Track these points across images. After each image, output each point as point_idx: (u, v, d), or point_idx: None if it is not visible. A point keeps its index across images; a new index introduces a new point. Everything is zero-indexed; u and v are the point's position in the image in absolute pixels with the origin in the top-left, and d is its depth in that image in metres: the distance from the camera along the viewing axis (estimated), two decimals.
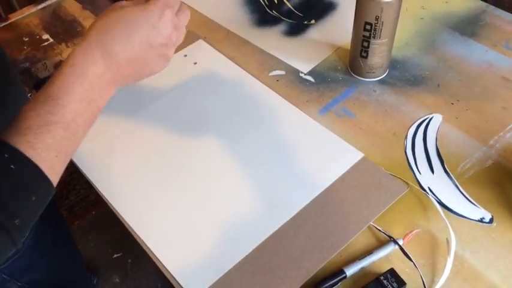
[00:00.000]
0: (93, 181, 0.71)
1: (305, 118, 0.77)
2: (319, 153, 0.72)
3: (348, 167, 0.69)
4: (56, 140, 0.43)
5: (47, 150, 0.43)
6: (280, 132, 0.75)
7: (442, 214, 0.64)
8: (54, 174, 0.44)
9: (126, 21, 0.48)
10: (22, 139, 0.42)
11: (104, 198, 0.70)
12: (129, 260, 1.49)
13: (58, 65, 0.91)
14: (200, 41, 0.91)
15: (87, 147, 0.75)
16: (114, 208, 0.68)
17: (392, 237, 0.62)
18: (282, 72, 0.85)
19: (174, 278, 0.61)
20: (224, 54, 0.89)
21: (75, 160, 0.73)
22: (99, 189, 0.70)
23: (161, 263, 0.62)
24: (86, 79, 0.46)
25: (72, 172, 0.73)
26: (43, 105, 0.44)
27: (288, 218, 0.65)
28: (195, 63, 0.87)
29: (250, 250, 0.62)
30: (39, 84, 0.87)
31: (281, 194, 0.68)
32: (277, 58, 0.88)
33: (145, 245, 0.64)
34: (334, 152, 0.72)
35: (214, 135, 0.75)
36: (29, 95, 0.85)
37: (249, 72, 0.85)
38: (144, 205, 0.68)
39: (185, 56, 0.88)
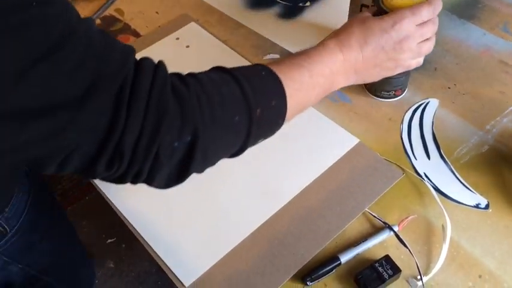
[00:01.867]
0: None
1: None
2: (313, 138, 0.71)
3: (343, 153, 0.68)
4: (302, 78, 0.52)
5: (291, 80, 0.51)
6: None
7: (438, 200, 0.63)
8: (290, 103, 0.50)
9: (365, 28, 0.57)
10: (274, 65, 0.51)
11: (94, 185, 0.68)
12: (123, 245, 1.49)
13: None
14: (192, 24, 0.89)
15: None
16: (104, 195, 0.67)
17: (387, 224, 0.61)
18: (277, 56, 0.83)
19: (167, 266, 0.60)
20: (217, 38, 0.87)
21: None
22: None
23: (154, 251, 0.61)
24: (333, 58, 0.56)
25: None
26: (298, 59, 0.54)
27: (281, 205, 0.64)
28: (188, 46, 0.85)
29: (244, 237, 0.61)
30: None
31: (274, 180, 0.67)
32: (271, 41, 0.86)
33: (138, 233, 0.63)
34: (329, 138, 0.71)
35: None
36: None
37: (243, 56, 0.83)
38: (135, 192, 0.67)
39: (177, 39, 0.86)
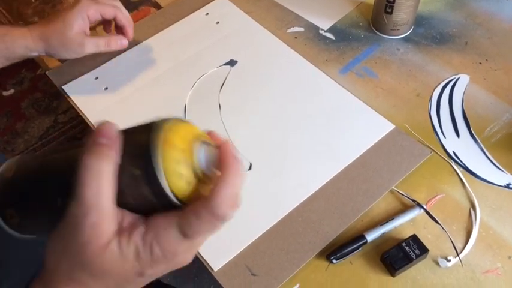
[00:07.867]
0: None
1: (325, 79, 0.73)
2: (347, 124, 0.69)
3: (378, 139, 0.66)
4: None
5: None
6: (299, 94, 0.72)
7: (467, 180, 0.62)
8: None
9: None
10: None
11: None
12: None
13: None
14: None
15: (107, 109, 0.73)
16: None
17: (416, 201, 0.60)
18: (301, 29, 0.81)
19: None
20: (240, 9, 0.84)
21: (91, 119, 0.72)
22: None
23: None
24: None
25: (83, 129, 0.72)
26: None
27: (312, 192, 0.62)
28: (217, 22, 0.82)
29: (273, 224, 0.60)
30: None
31: (306, 168, 0.65)
32: (295, 13, 0.83)
33: None
34: (356, 116, 0.69)
35: (234, 99, 0.73)
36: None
37: (266, 29, 0.81)
38: None
39: (206, 14, 0.84)
